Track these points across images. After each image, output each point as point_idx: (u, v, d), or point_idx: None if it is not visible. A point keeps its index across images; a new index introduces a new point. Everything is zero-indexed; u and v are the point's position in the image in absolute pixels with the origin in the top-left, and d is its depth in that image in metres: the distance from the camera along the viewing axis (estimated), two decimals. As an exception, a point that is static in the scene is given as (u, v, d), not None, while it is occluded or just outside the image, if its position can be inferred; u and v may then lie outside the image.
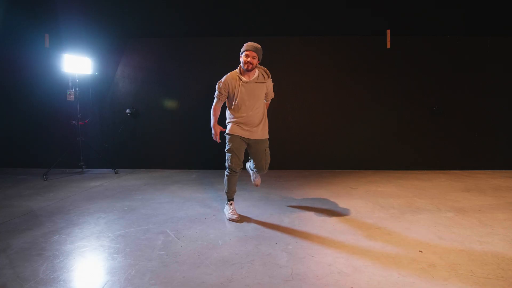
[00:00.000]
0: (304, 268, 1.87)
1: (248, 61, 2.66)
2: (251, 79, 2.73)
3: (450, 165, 5.21)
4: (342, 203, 3.28)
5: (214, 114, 2.84)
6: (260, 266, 1.89)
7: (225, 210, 2.89)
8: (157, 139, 5.36)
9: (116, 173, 4.91)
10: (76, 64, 4.65)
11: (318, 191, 3.80)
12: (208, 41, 5.28)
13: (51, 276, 1.76)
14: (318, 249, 2.14)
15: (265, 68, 2.86)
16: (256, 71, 2.77)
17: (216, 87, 2.78)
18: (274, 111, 5.18)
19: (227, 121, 2.85)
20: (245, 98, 2.72)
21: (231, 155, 2.79)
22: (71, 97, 4.66)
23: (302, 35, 5.24)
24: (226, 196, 2.90)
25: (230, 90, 2.74)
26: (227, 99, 2.82)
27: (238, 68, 2.77)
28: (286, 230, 2.49)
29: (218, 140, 2.85)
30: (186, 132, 5.35)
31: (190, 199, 3.44)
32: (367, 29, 5.21)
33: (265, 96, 2.87)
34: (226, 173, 2.86)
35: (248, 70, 2.70)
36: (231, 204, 2.85)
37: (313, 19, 5.25)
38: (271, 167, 5.03)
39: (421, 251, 2.10)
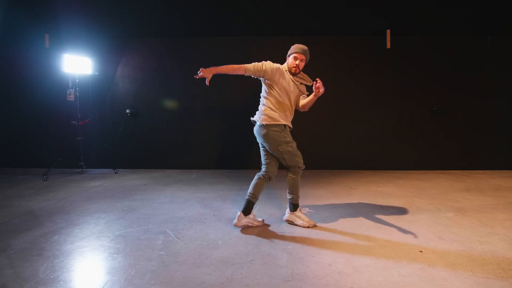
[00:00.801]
0: (304, 268, 1.87)
1: (296, 64, 2.56)
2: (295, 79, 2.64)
3: (450, 165, 5.21)
4: (342, 203, 3.28)
5: (228, 66, 2.54)
6: (260, 266, 1.89)
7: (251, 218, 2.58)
8: (157, 139, 5.36)
9: (116, 173, 4.91)
10: (76, 64, 4.65)
11: (318, 191, 3.80)
12: (208, 41, 5.28)
13: (51, 276, 1.76)
14: (318, 249, 2.14)
15: (304, 74, 2.73)
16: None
17: (262, 62, 2.54)
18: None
19: (267, 113, 2.56)
20: (286, 96, 2.59)
21: (296, 154, 2.56)
22: (71, 97, 4.66)
23: (302, 35, 5.24)
24: (249, 201, 2.55)
25: (277, 79, 2.53)
26: (274, 89, 2.56)
27: (285, 65, 2.65)
28: (286, 230, 2.49)
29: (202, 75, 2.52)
30: (186, 132, 5.35)
31: (190, 199, 3.44)
32: (367, 29, 5.22)
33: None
34: (262, 177, 2.57)
35: (294, 74, 2.61)
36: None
37: (313, 19, 5.25)
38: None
39: (421, 251, 2.10)
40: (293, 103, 2.68)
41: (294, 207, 2.64)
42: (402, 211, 3.00)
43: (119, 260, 1.96)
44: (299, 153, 2.62)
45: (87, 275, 1.80)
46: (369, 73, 5.22)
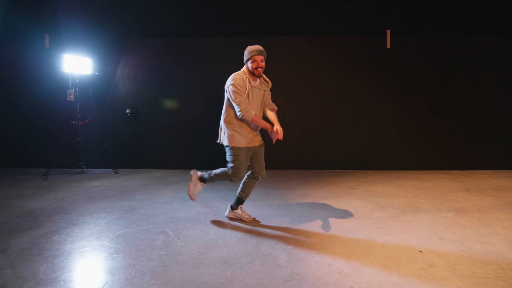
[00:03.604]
0: (304, 268, 1.87)
1: (259, 65, 2.50)
2: (255, 84, 2.59)
3: (450, 165, 5.21)
4: (342, 203, 3.28)
5: (257, 120, 2.50)
6: (260, 266, 1.89)
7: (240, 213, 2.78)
8: (157, 139, 5.36)
9: (116, 173, 4.91)
10: (76, 64, 4.65)
11: (318, 191, 3.80)
12: (208, 41, 5.28)
13: (51, 276, 1.76)
14: (318, 249, 2.14)
15: (264, 76, 2.70)
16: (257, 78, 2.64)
17: (232, 89, 2.48)
18: (274, 111, 5.19)
19: (228, 131, 2.63)
20: (253, 104, 2.57)
21: (239, 169, 2.60)
22: (71, 97, 4.66)
23: (302, 35, 5.24)
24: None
25: (246, 91, 2.51)
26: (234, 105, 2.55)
27: (243, 71, 2.59)
28: (286, 230, 2.49)
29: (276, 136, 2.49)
30: (186, 132, 5.34)
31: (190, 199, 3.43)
32: (368, 29, 5.22)
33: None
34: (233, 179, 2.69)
35: (259, 76, 2.56)
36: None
37: (313, 19, 5.25)
38: (272, 166, 5.06)
39: (421, 251, 2.10)
40: (258, 111, 2.66)
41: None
42: (402, 211, 3.00)
43: (119, 260, 1.96)
44: (239, 171, 2.65)
45: (87, 275, 1.80)
46: (369, 73, 5.21)
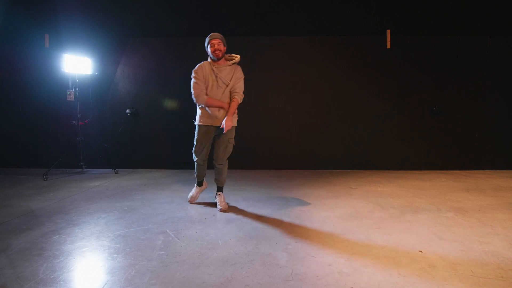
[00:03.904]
0: (304, 268, 1.87)
1: (215, 48, 2.77)
2: (226, 64, 2.87)
3: (450, 165, 5.21)
4: (342, 203, 3.28)
5: (211, 102, 2.82)
6: (260, 266, 1.89)
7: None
8: (157, 139, 5.36)
9: (116, 173, 4.91)
10: (76, 64, 4.65)
11: (318, 191, 3.80)
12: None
13: (51, 276, 1.76)
14: (318, 249, 2.14)
15: (231, 55, 2.95)
16: (224, 61, 2.90)
17: (191, 77, 2.85)
18: (274, 111, 5.19)
19: (198, 112, 2.99)
20: (214, 84, 2.83)
21: (197, 145, 3.04)
22: (71, 97, 4.67)
23: (302, 35, 5.24)
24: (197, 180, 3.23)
25: (205, 76, 2.82)
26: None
27: (207, 60, 2.92)
28: (286, 230, 2.49)
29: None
30: (186, 132, 5.34)
31: (190, 199, 3.43)
32: (367, 29, 5.22)
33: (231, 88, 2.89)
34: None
35: (218, 58, 2.80)
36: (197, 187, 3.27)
37: (312, 19, 5.25)
38: (272, 166, 5.06)
39: (421, 251, 2.10)
40: (223, 90, 2.88)
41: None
42: (402, 211, 3.00)
43: (119, 260, 1.96)
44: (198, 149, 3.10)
45: (87, 275, 1.80)
46: (369, 73, 5.22)
